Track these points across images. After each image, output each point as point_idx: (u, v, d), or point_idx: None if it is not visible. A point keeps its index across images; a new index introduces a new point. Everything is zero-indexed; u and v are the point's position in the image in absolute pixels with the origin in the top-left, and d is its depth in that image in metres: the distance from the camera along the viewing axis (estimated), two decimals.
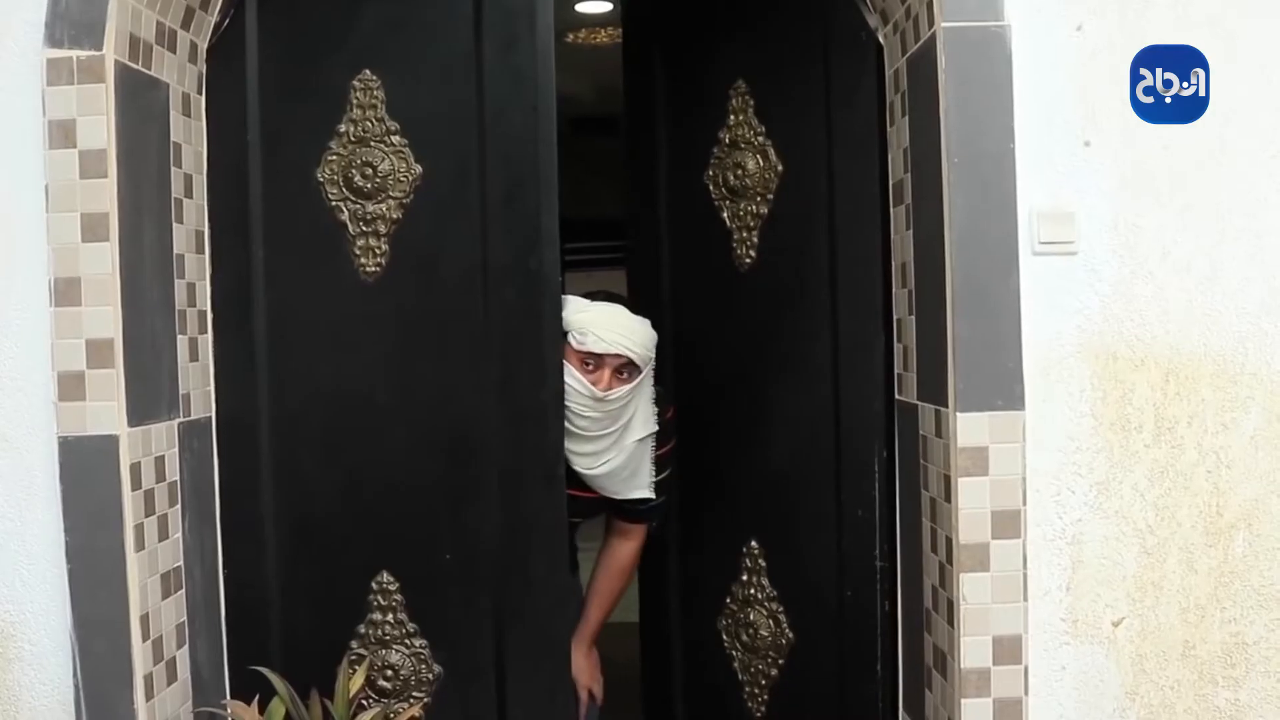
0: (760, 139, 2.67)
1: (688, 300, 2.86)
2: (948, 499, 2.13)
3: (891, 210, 2.43)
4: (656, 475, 2.71)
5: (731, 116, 2.73)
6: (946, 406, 2.12)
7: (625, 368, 2.53)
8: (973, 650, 2.11)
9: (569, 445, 2.51)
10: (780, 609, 2.70)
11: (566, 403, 2.46)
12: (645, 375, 2.59)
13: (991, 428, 2.10)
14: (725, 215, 2.76)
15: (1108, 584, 2.16)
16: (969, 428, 2.09)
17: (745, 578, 2.75)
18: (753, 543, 2.75)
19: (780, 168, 2.64)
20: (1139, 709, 2.18)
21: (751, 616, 2.73)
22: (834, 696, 2.59)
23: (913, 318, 2.31)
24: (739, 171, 2.71)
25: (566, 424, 2.47)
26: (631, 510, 2.75)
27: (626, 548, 2.83)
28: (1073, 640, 2.16)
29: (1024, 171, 2.11)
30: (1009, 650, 2.11)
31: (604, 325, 2.51)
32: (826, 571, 2.57)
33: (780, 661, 2.70)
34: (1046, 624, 2.15)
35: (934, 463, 2.21)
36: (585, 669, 2.84)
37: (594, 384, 2.50)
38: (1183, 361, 2.15)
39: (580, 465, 2.58)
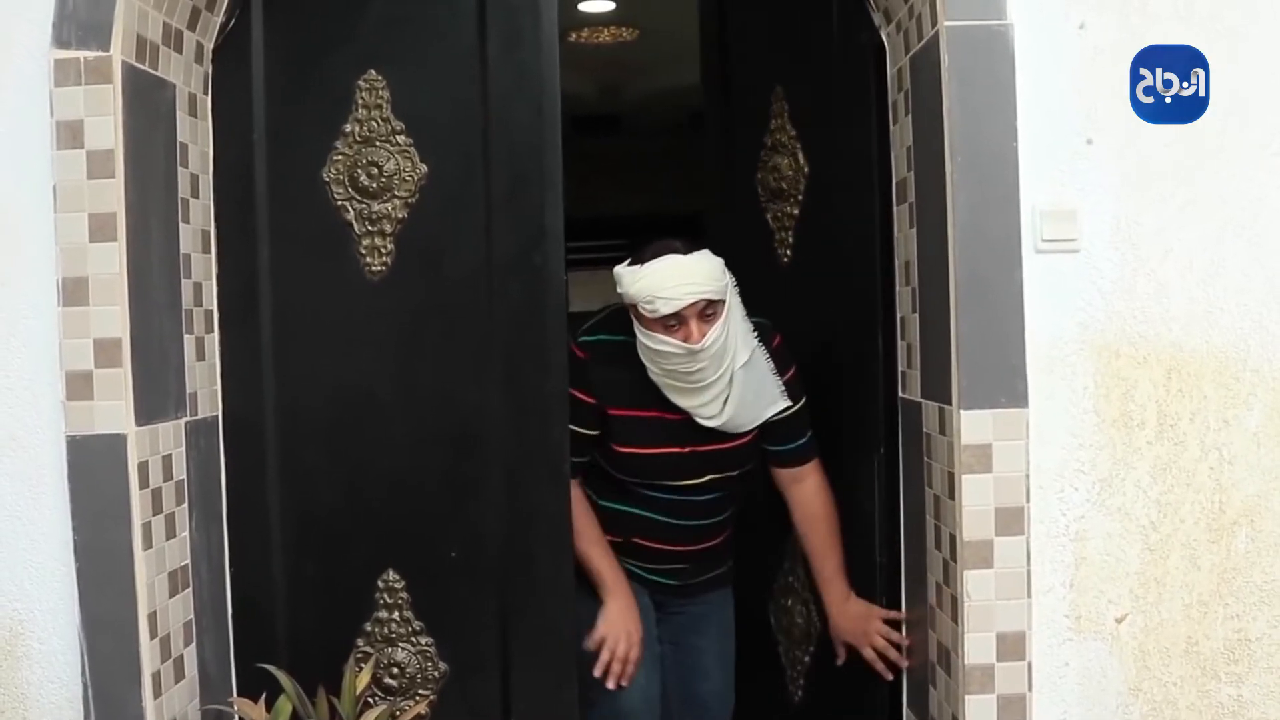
0: (793, 142, 2.74)
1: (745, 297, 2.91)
2: (951, 496, 2.14)
3: (895, 209, 2.44)
4: (790, 398, 2.57)
5: (773, 121, 2.79)
6: (950, 404, 2.13)
7: (708, 308, 2.39)
8: (976, 647, 2.12)
9: (685, 402, 2.47)
10: (811, 598, 2.73)
11: (666, 366, 2.43)
12: (731, 303, 2.45)
13: (995, 425, 2.10)
14: (769, 216, 2.83)
15: (1111, 580, 2.17)
16: (972, 425, 2.10)
17: (787, 565, 2.80)
18: (791, 539, 2.78)
19: (807, 169, 2.68)
20: (1142, 705, 2.19)
21: (790, 604, 2.76)
22: (854, 688, 2.63)
23: (916, 315, 2.32)
24: (776, 174, 2.80)
25: (676, 383, 2.45)
26: (788, 455, 2.62)
27: (807, 489, 2.63)
28: (1076, 636, 2.17)
29: (1026, 169, 2.11)
30: (1013, 647, 2.12)
31: (666, 284, 2.36)
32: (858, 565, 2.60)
33: (811, 649, 2.74)
34: (1050, 620, 2.16)
35: (938, 460, 2.21)
36: (850, 624, 2.56)
37: (686, 339, 2.38)
38: (1185, 358, 2.16)
39: (706, 415, 2.49)
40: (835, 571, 2.59)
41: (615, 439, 2.54)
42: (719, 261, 2.43)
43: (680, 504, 2.59)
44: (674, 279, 2.37)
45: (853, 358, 2.57)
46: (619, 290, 2.44)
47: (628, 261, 2.45)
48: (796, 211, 2.73)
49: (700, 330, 2.38)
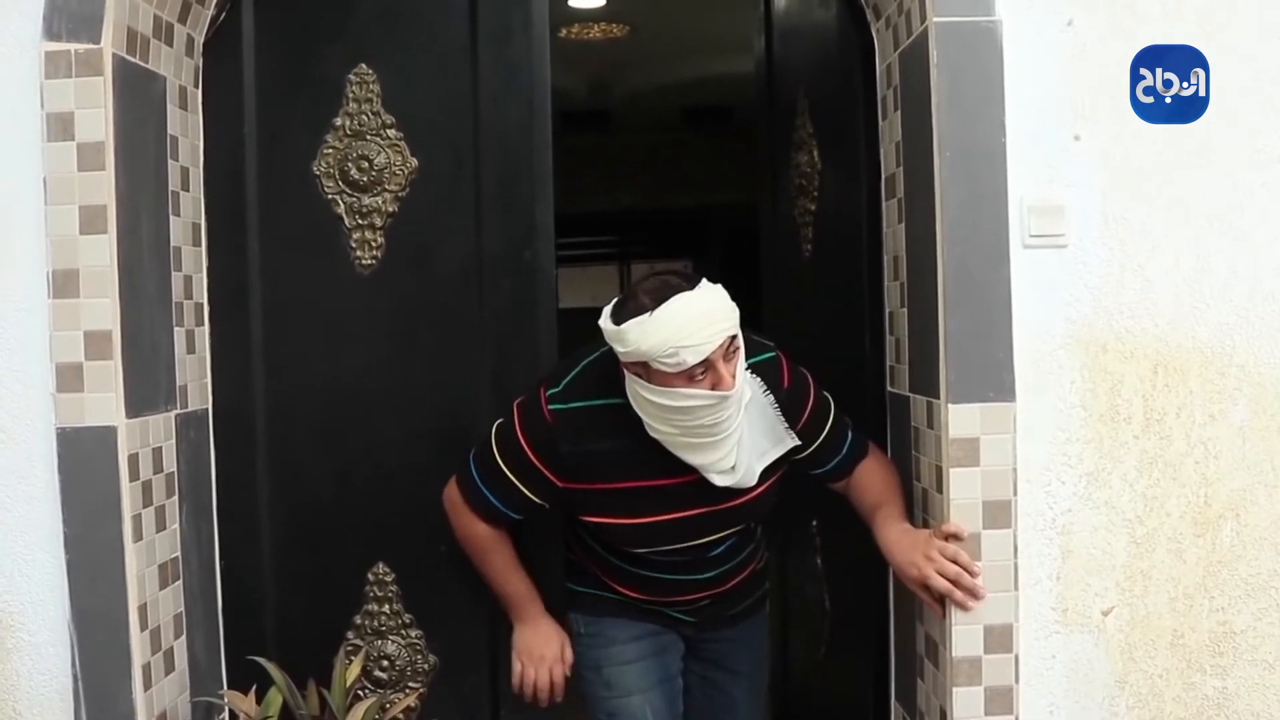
0: (811, 139, 2.77)
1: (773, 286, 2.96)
2: (939, 490, 2.15)
3: (884, 204, 2.45)
4: (829, 425, 2.27)
5: (798, 119, 2.83)
6: (938, 398, 2.14)
7: (731, 344, 2.05)
8: (964, 639, 2.13)
9: (700, 459, 2.11)
10: (826, 585, 2.80)
11: (690, 423, 2.05)
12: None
13: (983, 419, 2.11)
14: (795, 211, 2.86)
15: (1097, 573, 2.18)
16: (960, 419, 2.11)
17: (809, 554, 2.84)
18: (814, 523, 2.82)
19: (820, 165, 2.70)
20: (1128, 697, 2.20)
21: (809, 590, 2.81)
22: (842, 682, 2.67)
23: (905, 310, 2.33)
24: (797, 170, 2.83)
25: (693, 439, 2.08)
26: (838, 469, 2.30)
27: (864, 471, 2.31)
28: (1063, 629, 2.18)
29: (1015, 165, 2.12)
30: (1000, 639, 2.13)
31: (687, 332, 1.98)
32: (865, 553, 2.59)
33: (828, 627, 2.79)
34: (1037, 613, 2.17)
35: (926, 454, 2.22)
36: (907, 551, 2.15)
37: (716, 385, 2.02)
38: (1171, 354, 2.17)
39: (721, 470, 2.13)
40: (895, 508, 2.24)
41: (595, 513, 2.23)
42: (720, 287, 2.09)
43: (687, 563, 2.31)
44: (697, 322, 2.00)
45: (841, 352, 2.58)
46: (619, 349, 2.05)
47: (610, 312, 2.08)
48: (814, 207, 2.77)
49: (730, 372, 2.03)
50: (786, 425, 2.21)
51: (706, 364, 2.01)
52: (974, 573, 2.10)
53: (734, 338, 2.06)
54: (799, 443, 2.24)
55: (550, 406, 2.16)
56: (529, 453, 2.17)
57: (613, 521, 2.22)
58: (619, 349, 2.06)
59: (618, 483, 2.18)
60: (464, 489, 2.25)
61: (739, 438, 2.12)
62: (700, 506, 2.20)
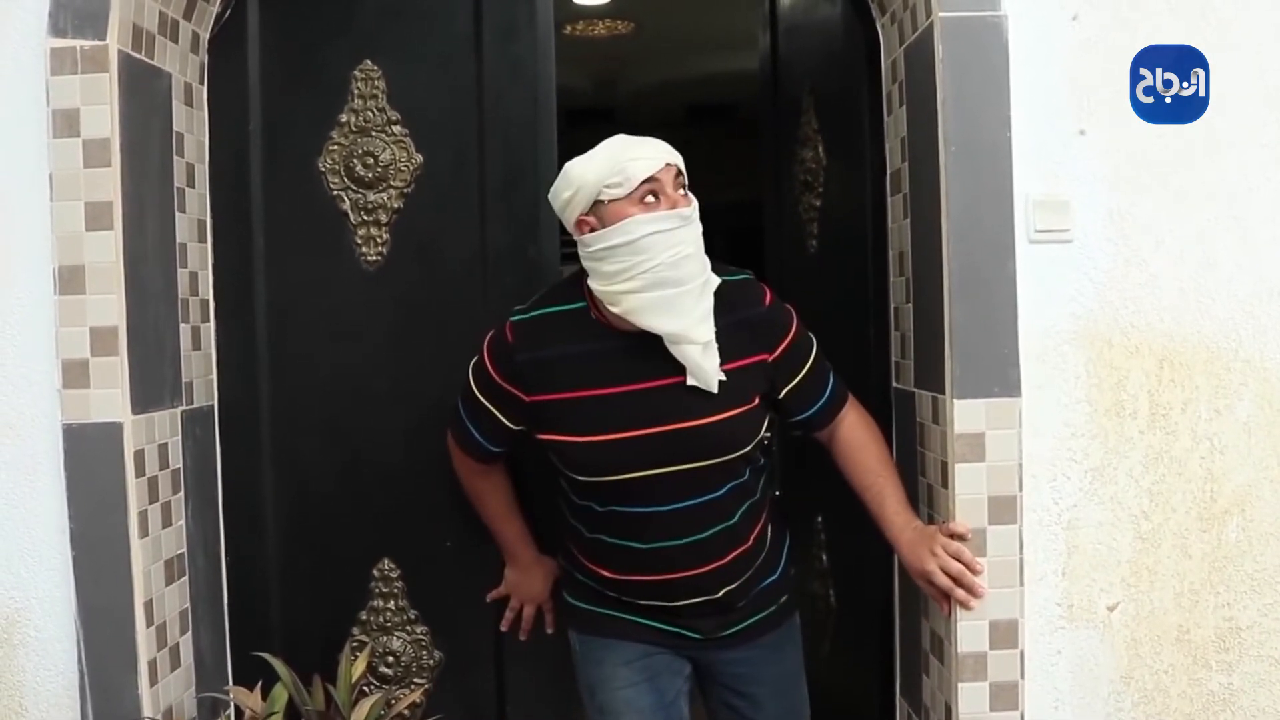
0: (816, 135, 2.77)
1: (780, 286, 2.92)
2: (945, 485, 2.15)
3: (889, 199, 2.45)
4: (810, 362, 2.15)
5: (803, 115, 2.83)
6: (943, 393, 2.14)
7: (679, 179, 2.02)
8: (969, 635, 2.13)
9: (674, 322, 1.97)
10: (831, 581, 2.81)
11: (653, 263, 1.94)
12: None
13: (988, 414, 2.11)
14: (800, 207, 2.86)
15: (1103, 569, 2.18)
16: (966, 414, 2.11)
17: (814, 550, 2.84)
18: (819, 519, 2.82)
19: (825, 161, 2.70)
20: (1133, 693, 2.20)
21: (814, 586, 2.82)
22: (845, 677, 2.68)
23: (910, 306, 2.33)
24: (802, 166, 2.82)
25: (662, 291, 1.95)
26: (820, 416, 2.18)
27: (845, 425, 2.19)
28: (1068, 625, 2.18)
29: (1020, 160, 2.12)
30: (1005, 635, 2.13)
31: (634, 149, 1.98)
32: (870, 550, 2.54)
33: (831, 622, 2.81)
34: (1042, 609, 2.17)
35: (931, 449, 2.22)
36: (913, 549, 2.11)
37: (674, 207, 1.97)
38: (1176, 348, 2.17)
39: (699, 339, 1.98)
40: (897, 498, 2.15)
41: (555, 430, 2.08)
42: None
43: (661, 523, 2.08)
44: (638, 143, 2.00)
45: (846, 347, 2.58)
46: (565, 195, 2.00)
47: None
48: (819, 203, 2.77)
49: (680, 199, 1.99)
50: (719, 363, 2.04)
51: (656, 187, 1.97)
52: (976, 571, 2.09)
53: (681, 174, 2.02)
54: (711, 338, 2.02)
55: (511, 320, 2.11)
56: (493, 372, 2.11)
57: (571, 440, 2.06)
58: (565, 194, 2.00)
59: (574, 391, 2.05)
60: (453, 428, 2.25)
61: (706, 305, 1.99)
62: (656, 425, 2.02)
